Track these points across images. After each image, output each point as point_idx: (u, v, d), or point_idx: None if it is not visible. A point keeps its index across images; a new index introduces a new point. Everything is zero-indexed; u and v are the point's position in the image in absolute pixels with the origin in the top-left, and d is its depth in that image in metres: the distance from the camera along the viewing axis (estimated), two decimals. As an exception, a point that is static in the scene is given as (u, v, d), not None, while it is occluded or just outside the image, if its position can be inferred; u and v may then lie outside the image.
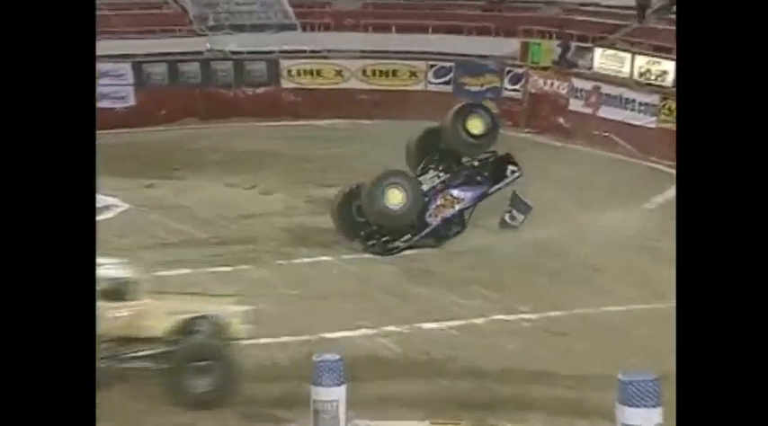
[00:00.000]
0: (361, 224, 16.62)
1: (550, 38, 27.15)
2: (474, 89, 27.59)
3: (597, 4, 27.89)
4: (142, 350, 11.11)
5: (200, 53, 27.82)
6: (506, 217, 17.45)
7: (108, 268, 10.93)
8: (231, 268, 15.75)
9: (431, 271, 15.88)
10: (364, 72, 28.36)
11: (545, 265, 15.89)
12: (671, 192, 16.31)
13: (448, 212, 17.04)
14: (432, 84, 28.22)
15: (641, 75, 24.61)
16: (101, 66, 22.54)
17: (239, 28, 28.54)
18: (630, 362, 10.31)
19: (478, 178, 17.31)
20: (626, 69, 25.04)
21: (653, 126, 23.44)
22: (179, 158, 23.01)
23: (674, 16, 21.49)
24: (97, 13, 6.25)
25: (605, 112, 25.05)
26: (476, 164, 17.37)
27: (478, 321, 13.91)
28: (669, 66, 23.26)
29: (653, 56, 24.32)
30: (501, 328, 13.68)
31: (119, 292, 11.03)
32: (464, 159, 17.50)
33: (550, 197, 17.68)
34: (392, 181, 16.45)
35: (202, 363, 10.91)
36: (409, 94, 27.56)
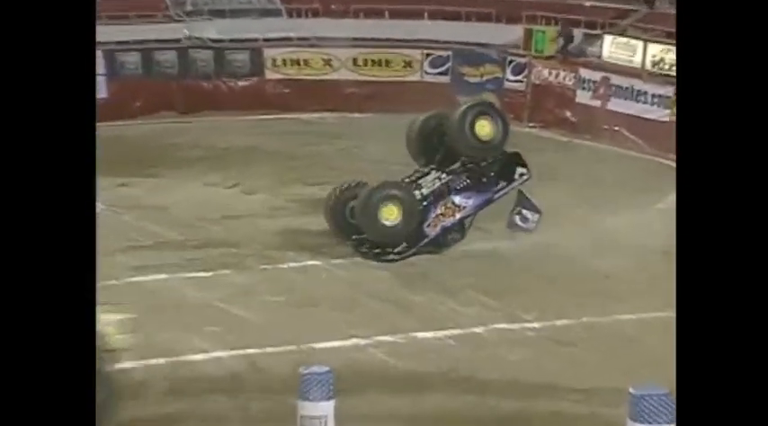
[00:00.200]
0: (354, 226, 16.56)
1: (556, 24, 27.18)
2: (473, 80, 27.64)
3: (607, -12, 27.98)
4: None
5: (178, 41, 27.80)
6: (516, 218, 17.09)
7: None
8: (211, 273, 15.75)
9: (427, 276, 15.89)
10: (355, 61, 28.39)
11: (550, 270, 15.90)
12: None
13: (448, 221, 16.81)
14: (428, 74, 28.26)
15: (654, 64, 24.61)
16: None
17: (219, 13, 28.53)
18: (643, 375, 10.32)
19: (483, 180, 16.99)
20: (638, 58, 25.06)
21: (666, 120, 23.41)
22: (155, 155, 23.02)
23: None
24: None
25: (615, 105, 25.08)
26: (482, 164, 17.01)
27: (478, 330, 13.91)
28: (684, 55, 23.28)
29: (667, 43, 24.22)
30: (503, 338, 13.68)
31: None
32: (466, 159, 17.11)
33: (555, 196, 17.70)
34: (387, 195, 16.22)
35: None
36: (404, 86, 27.60)
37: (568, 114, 26.06)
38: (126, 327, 11.37)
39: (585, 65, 26.12)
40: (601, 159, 22.79)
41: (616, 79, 25.14)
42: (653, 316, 13.86)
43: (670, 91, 23.53)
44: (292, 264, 16.32)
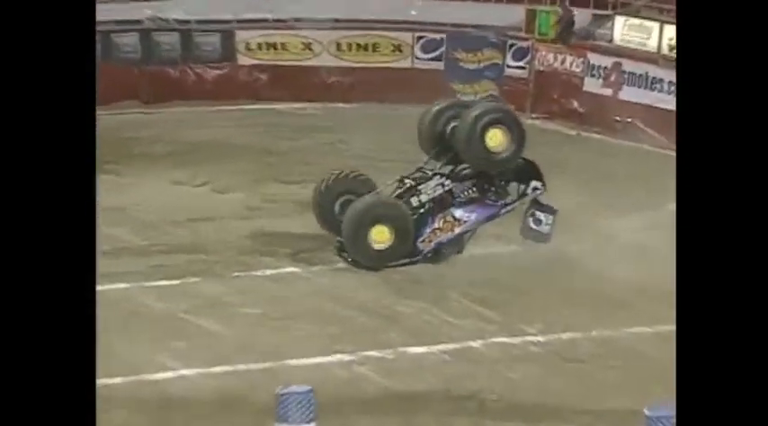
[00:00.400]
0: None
1: (562, 3, 27.26)
2: (470, 66, 27.69)
3: (617, -36, 28.05)
4: None
5: (140, 22, 27.79)
6: (530, 222, 16.74)
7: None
8: (177, 281, 15.74)
9: (419, 284, 15.90)
10: (338, 46, 28.41)
11: (556, 278, 15.93)
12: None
13: (444, 237, 16.54)
14: (419, 60, 28.30)
15: (672, 48, 24.58)
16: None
17: (186, -9, 28.56)
18: (658, 395, 10.34)
19: (491, 191, 16.63)
20: (653, 42, 25.11)
21: (684, 110, 23.46)
22: (115, 150, 22.97)
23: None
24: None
25: (628, 94, 25.17)
26: (492, 173, 16.63)
27: (476, 344, 13.94)
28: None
29: (685, 25, 24.29)
30: (503, 353, 13.71)
31: None
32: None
33: (561, 196, 17.70)
34: (378, 214, 15.96)
35: None
36: (392, 73, 27.63)
37: (576, 104, 26.15)
38: None
39: (595, 49, 26.18)
40: (612, 154, 22.86)
41: (629, 65, 25.21)
42: (669, 330, 13.85)
43: (688, 78, 23.56)
44: (268, 272, 16.32)
